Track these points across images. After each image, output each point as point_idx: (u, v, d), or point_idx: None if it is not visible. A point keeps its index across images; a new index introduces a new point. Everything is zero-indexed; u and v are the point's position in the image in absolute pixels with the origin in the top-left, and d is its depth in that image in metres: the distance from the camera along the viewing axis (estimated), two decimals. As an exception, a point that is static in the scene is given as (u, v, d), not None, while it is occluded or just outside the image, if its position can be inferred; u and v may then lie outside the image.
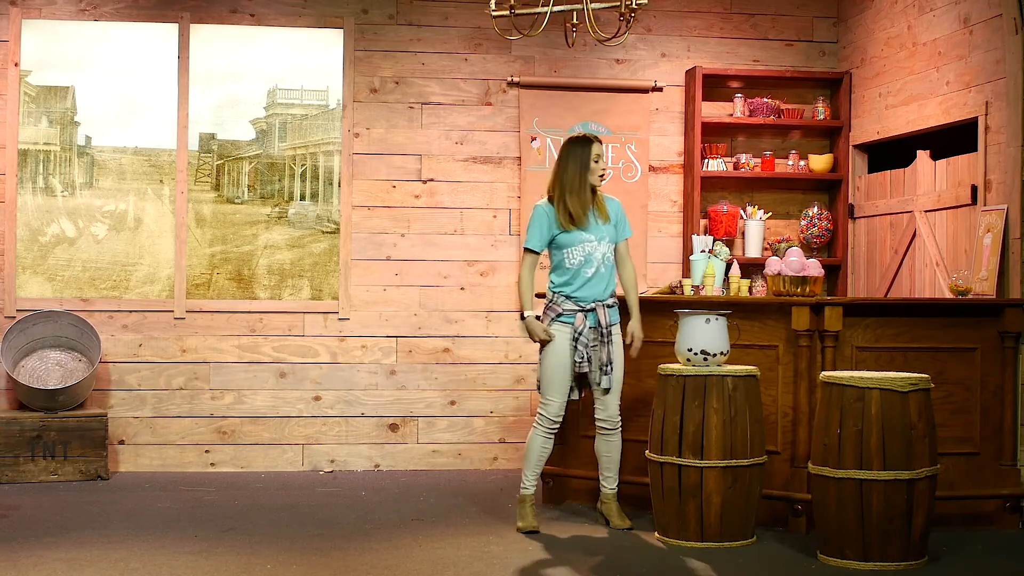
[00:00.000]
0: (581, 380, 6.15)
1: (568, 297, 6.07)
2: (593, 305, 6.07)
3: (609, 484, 6.27)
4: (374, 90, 8.05)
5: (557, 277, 6.13)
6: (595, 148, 6.11)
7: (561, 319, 6.08)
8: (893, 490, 5.35)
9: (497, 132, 8.16)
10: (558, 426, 6.14)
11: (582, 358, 6.05)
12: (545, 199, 6.17)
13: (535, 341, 6.14)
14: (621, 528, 6.15)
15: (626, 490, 6.41)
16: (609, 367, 6.07)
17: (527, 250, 6.15)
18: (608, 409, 6.17)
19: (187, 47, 7.87)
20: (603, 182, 6.17)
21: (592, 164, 6.09)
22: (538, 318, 6.12)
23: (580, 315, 6.05)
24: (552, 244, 6.13)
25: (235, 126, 7.97)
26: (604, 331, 6.07)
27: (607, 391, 6.13)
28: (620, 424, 6.21)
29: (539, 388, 6.16)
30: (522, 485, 6.19)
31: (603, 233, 6.10)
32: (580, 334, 6.04)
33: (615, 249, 6.21)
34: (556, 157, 6.20)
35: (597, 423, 6.21)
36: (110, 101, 7.84)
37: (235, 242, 7.94)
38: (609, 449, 6.23)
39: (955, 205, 7.03)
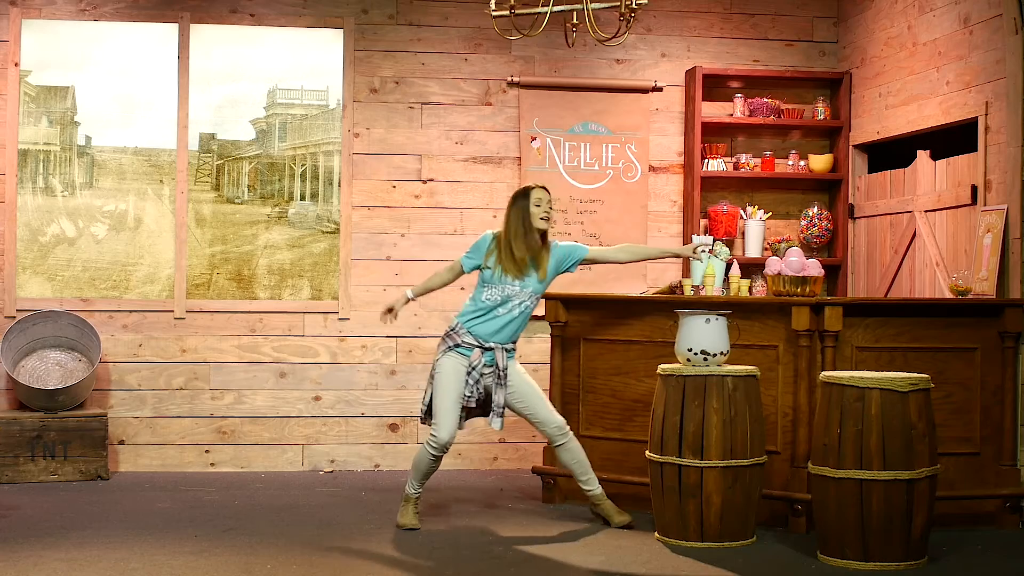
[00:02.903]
0: (470, 412, 6.19)
1: (470, 331, 6.09)
2: (493, 345, 6.09)
3: (592, 486, 6.27)
4: (374, 90, 8.06)
5: (469, 306, 6.16)
6: (535, 193, 6.14)
7: (458, 349, 6.09)
8: (893, 490, 5.35)
9: (497, 132, 8.16)
10: (446, 451, 6.11)
11: (471, 394, 6.08)
12: (495, 231, 6.21)
13: (384, 313, 6.27)
14: (622, 524, 6.15)
15: (626, 490, 6.41)
16: (502, 410, 6.10)
17: (460, 262, 6.23)
18: (551, 422, 6.20)
19: (187, 47, 7.87)
20: (549, 226, 6.15)
21: (532, 208, 6.11)
22: (451, 342, 6.13)
23: (477, 351, 6.08)
24: (480, 274, 6.18)
25: (235, 126, 7.96)
26: (501, 372, 6.09)
27: (541, 424, 6.21)
28: (568, 427, 6.24)
29: (424, 414, 6.17)
30: (408, 488, 6.20)
31: (528, 284, 6.11)
32: (474, 368, 6.07)
33: (591, 257, 6.26)
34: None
35: (548, 436, 6.22)
36: (110, 101, 7.84)
37: (235, 242, 7.94)
38: (573, 455, 6.24)
39: (955, 205, 7.03)
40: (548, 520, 6.37)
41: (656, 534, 5.93)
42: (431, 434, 6.08)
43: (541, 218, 6.11)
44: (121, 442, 7.78)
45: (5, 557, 5.43)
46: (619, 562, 5.50)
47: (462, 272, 6.25)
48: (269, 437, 7.91)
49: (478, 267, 6.17)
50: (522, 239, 6.10)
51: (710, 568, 5.39)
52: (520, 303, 6.11)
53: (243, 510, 6.58)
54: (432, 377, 6.14)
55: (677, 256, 6.39)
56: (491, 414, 6.13)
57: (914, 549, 5.42)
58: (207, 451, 7.86)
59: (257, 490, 7.20)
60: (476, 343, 6.08)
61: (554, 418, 6.21)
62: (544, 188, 6.21)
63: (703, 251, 6.39)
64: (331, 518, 6.38)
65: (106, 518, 6.32)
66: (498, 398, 6.11)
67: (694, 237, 7.15)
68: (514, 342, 6.18)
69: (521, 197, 6.17)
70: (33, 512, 6.46)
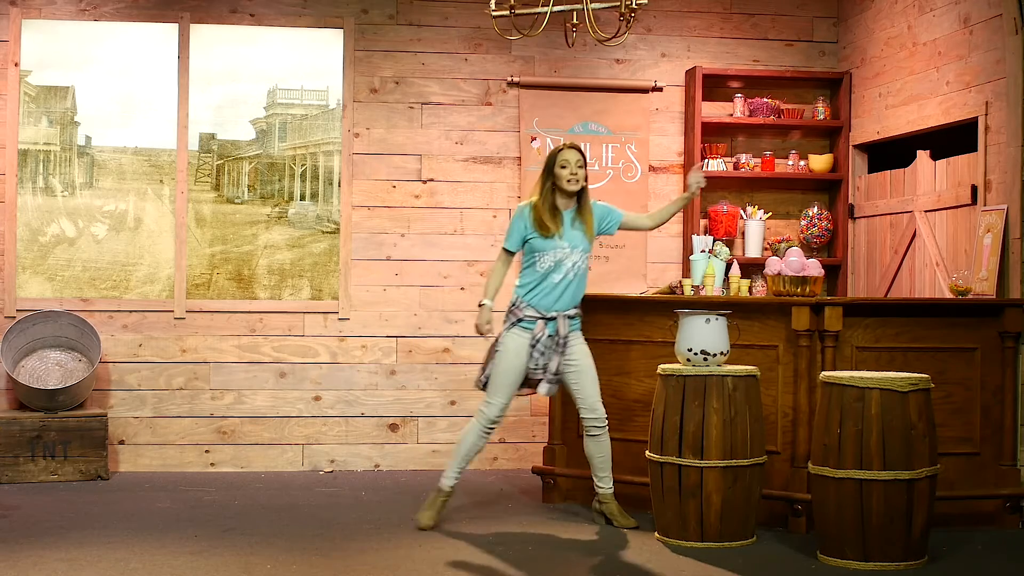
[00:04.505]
0: (528, 381, 6.21)
1: (530, 304, 6.10)
2: (555, 314, 6.10)
3: (606, 484, 6.27)
4: (374, 90, 8.06)
5: (524, 279, 6.17)
6: (564, 154, 6.11)
7: (522, 324, 6.12)
8: (893, 490, 5.35)
9: (497, 132, 8.16)
10: (496, 427, 6.19)
11: (536, 365, 6.09)
12: (528, 201, 6.23)
13: (477, 329, 6.23)
14: (627, 527, 6.15)
15: (626, 490, 6.41)
16: (555, 377, 6.11)
17: (504, 249, 6.24)
18: (594, 409, 6.21)
19: (187, 47, 7.87)
20: (575, 187, 6.11)
21: (558, 170, 6.10)
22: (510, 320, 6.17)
23: (540, 322, 6.09)
24: (526, 246, 6.17)
25: (235, 126, 7.97)
26: (560, 340, 6.09)
27: (585, 395, 6.20)
28: (607, 422, 6.24)
29: (483, 386, 6.20)
30: (443, 478, 6.22)
31: (578, 242, 6.12)
32: (538, 341, 6.08)
33: (625, 222, 6.31)
34: None
35: (586, 424, 6.22)
36: (110, 101, 7.84)
37: (235, 242, 7.94)
38: (601, 449, 6.24)
39: (955, 205, 7.03)
40: (548, 520, 6.37)
41: (656, 534, 5.93)
42: (480, 409, 6.14)
43: (568, 180, 6.09)
44: (121, 442, 7.78)
45: (5, 557, 5.43)
46: (619, 562, 5.50)
47: (511, 255, 6.24)
48: (269, 437, 7.91)
49: (523, 241, 6.15)
50: (544, 199, 6.10)
51: (710, 568, 5.39)
52: (573, 264, 6.11)
53: (243, 510, 6.58)
54: (493, 351, 6.17)
55: (686, 201, 6.45)
56: (541, 381, 6.13)
57: (914, 549, 5.42)
58: (207, 451, 7.86)
59: (257, 490, 7.20)
60: (538, 314, 6.09)
61: (598, 407, 6.21)
62: (574, 148, 6.16)
63: (697, 187, 6.45)
64: (331, 518, 6.38)
65: (106, 518, 6.33)
66: (552, 364, 6.10)
67: (694, 238, 7.14)
68: (576, 307, 6.18)
69: (549, 159, 6.15)
70: (33, 512, 6.46)
